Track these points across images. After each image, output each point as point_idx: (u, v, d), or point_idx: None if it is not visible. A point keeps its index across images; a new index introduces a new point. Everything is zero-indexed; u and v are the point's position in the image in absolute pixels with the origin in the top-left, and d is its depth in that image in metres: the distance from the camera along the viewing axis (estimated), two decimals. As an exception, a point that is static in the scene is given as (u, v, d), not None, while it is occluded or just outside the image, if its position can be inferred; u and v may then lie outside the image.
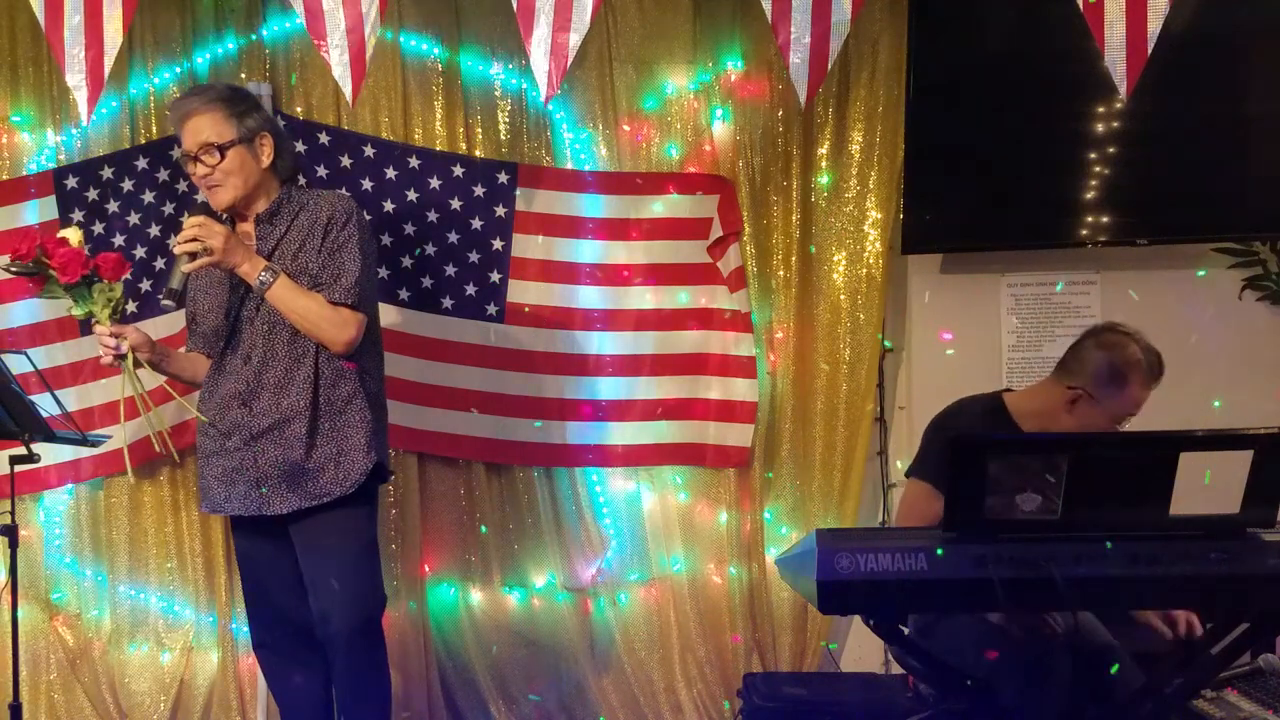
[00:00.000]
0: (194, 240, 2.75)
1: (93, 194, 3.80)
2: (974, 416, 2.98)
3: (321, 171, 3.77)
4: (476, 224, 3.84)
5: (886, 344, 3.96)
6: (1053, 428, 2.88)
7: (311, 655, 2.99)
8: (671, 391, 3.93)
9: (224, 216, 2.88)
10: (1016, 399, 3.00)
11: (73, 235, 2.81)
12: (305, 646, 2.98)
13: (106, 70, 3.21)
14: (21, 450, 3.07)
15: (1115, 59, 3.15)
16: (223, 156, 2.83)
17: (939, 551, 2.10)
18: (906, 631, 2.71)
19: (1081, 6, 3.15)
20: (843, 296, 3.94)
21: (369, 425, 2.91)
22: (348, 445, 2.88)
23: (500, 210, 3.86)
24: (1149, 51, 3.16)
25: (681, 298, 3.92)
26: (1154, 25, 3.14)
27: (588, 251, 3.92)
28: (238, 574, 3.83)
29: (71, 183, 3.79)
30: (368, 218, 3.70)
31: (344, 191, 3.63)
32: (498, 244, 3.86)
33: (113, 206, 3.80)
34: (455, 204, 3.83)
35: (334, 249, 2.86)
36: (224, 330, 2.93)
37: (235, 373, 2.89)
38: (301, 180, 3.72)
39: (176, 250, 2.79)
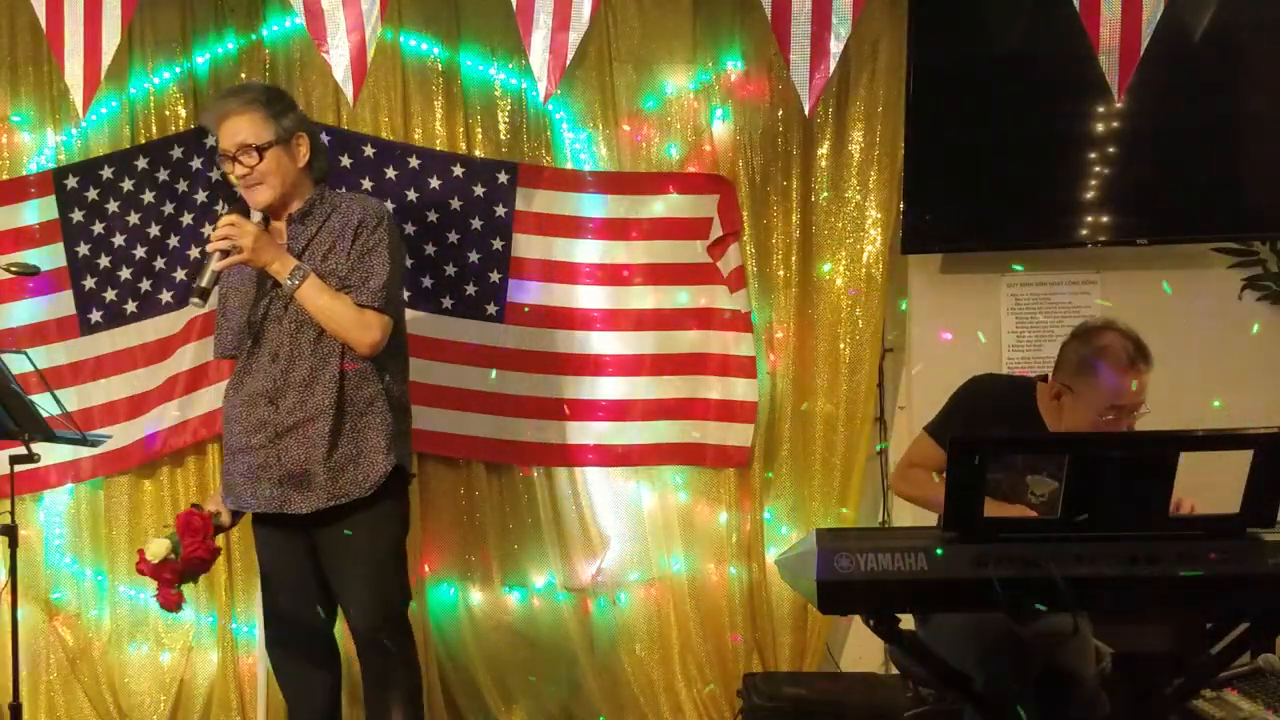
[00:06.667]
0: (225, 239, 2.78)
1: (93, 194, 3.80)
2: (1001, 389, 3.01)
3: (321, 171, 3.77)
4: (476, 224, 3.84)
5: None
6: (1052, 425, 2.89)
7: (322, 655, 3.01)
8: (671, 391, 3.93)
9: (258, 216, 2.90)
10: (1044, 388, 2.97)
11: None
12: (316, 646, 3.00)
13: (104, 67, 3.22)
14: (21, 450, 3.07)
15: (1109, 59, 3.16)
16: (261, 158, 2.85)
17: (939, 551, 2.10)
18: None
19: (1078, 7, 3.16)
20: (843, 296, 3.95)
21: (389, 428, 2.92)
22: (367, 447, 2.89)
23: (500, 210, 3.86)
24: (1141, 52, 3.16)
25: (681, 298, 3.92)
26: (1148, 26, 3.15)
27: (588, 251, 3.92)
28: (238, 574, 3.86)
29: (71, 183, 3.80)
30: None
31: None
32: (498, 244, 3.86)
33: (113, 206, 3.80)
34: (455, 204, 3.83)
35: (363, 252, 2.88)
36: (252, 327, 2.94)
37: (262, 370, 2.90)
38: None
39: (208, 248, 2.82)
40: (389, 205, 3.79)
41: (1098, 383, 2.79)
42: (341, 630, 3.09)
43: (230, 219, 2.81)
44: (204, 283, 2.82)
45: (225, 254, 2.79)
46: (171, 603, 2.87)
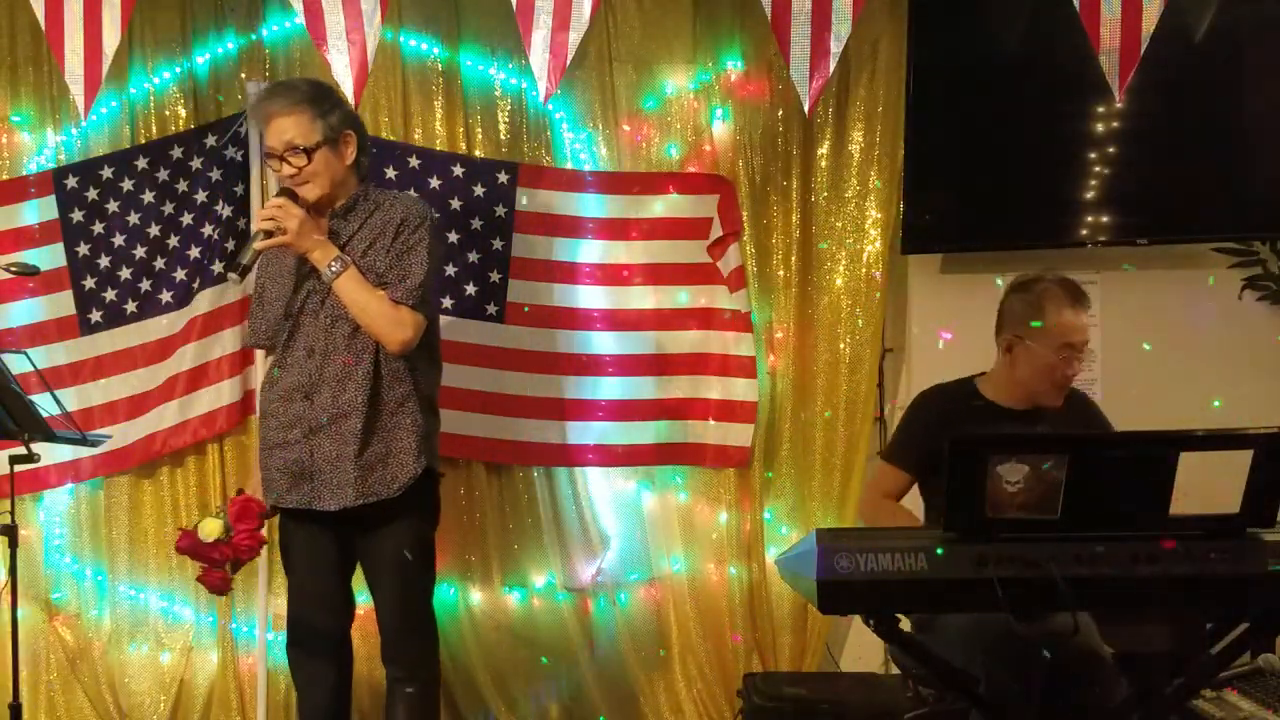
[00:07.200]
0: (270, 220, 2.80)
1: (93, 194, 3.80)
2: (945, 397, 3.06)
3: (321, 171, 3.77)
4: (476, 224, 3.84)
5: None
6: (1012, 386, 2.97)
7: (331, 652, 3.01)
8: (671, 391, 3.93)
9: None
10: (984, 377, 3.06)
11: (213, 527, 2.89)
12: (326, 643, 3.00)
13: (104, 69, 3.23)
14: (21, 450, 3.07)
15: (1109, 60, 3.17)
16: (309, 159, 2.84)
17: (939, 551, 2.10)
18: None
19: (1078, 7, 3.16)
20: (843, 296, 3.95)
21: (420, 429, 2.91)
22: (397, 447, 2.89)
23: (500, 210, 3.86)
24: (1141, 52, 3.17)
25: (681, 298, 3.92)
26: (1148, 26, 3.16)
27: (588, 251, 3.92)
28: (238, 574, 3.85)
29: (71, 183, 3.80)
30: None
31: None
32: (498, 244, 3.86)
33: (113, 206, 3.80)
34: (455, 204, 3.83)
35: (403, 250, 2.88)
36: (288, 320, 2.94)
37: (297, 365, 2.90)
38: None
39: (254, 227, 2.85)
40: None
41: (1047, 323, 2.89)
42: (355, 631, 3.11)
43: (278, 201, 2.83)
44: (245, 260, 2.83)
45: (269, 234, 2.80)
46: (217, 582, 2.87)
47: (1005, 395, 2.98)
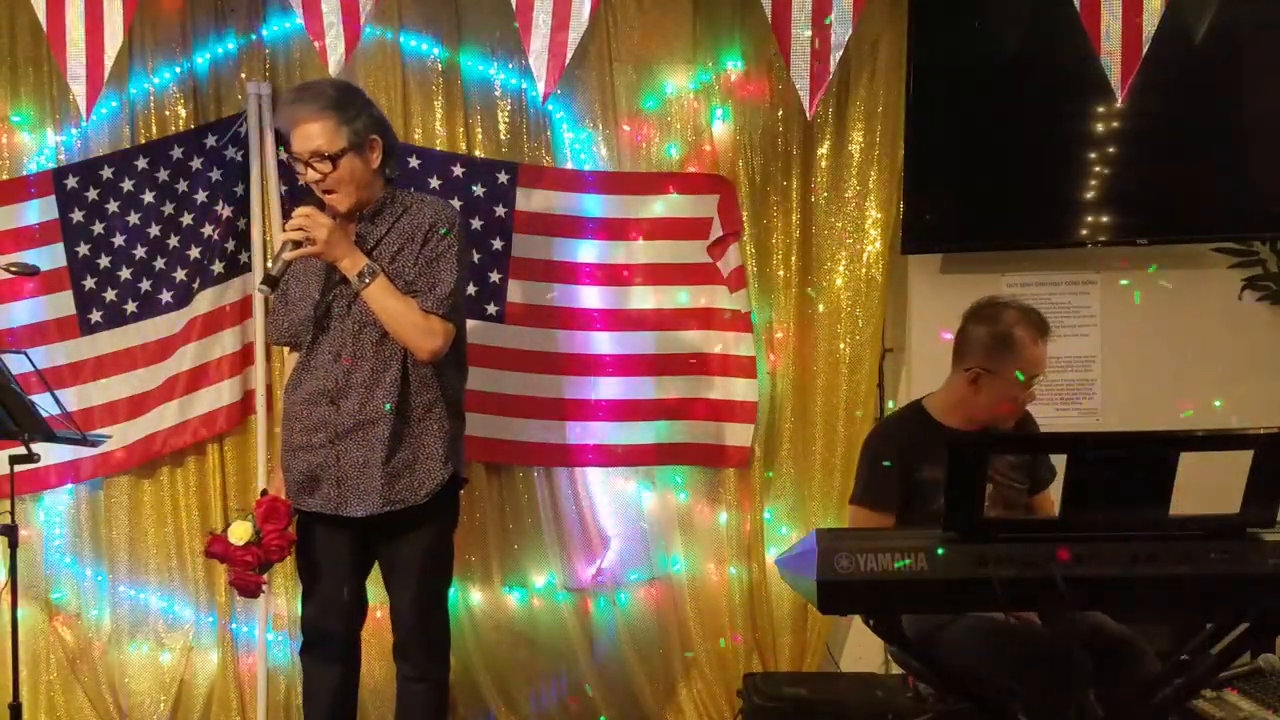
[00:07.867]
0: (299, 229, 2.79)
1: (93, 194, 3.80)
2: (901, 429, 3.05)
3: (321, 171, 3.77)
4: (476, 224, 3.84)
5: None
6: (969, 412, 2.96)
7: (338, 653, 3.02)
8: (671, 391, 3.93)
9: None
10: (932, 400, 3.06)
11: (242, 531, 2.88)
12: (334, 644, 3.01)
13: (106, 69, 3.23)
14: (21, 450, 3.07)
15: (1111, 60, 3.17)
16: (335, 166, 2.83)
17: (939, 551, 2.10)
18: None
19: (1078, 7, 3.16)
20: (843, 296, 3.95)
21: (447, 434, 2.91)
22: (424, 453, 2.88)
23: (500, 210, 3.86)
24: (1143, 53, 3.17)
25: (681, 298, 3.92)
26: (1149, 27, 3.16)
27: (588, 251, 3.92)
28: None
29: (71, 183, 3.79)
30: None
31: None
32: (498, 244, 3.86)
33: (113, 206, 3.80)
34: (455, 204, 3.82)
35: (432, 257, 2.86)
36: (313, 323, 2.92)
37: (324, 369, 2.89)
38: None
39: (282, 237, 2.84)
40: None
41: (1019, 357, 2.87)
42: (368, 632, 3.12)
43: (306, 210, 2.81)
44: (274, 271, 2.83)
45: (298, 244, 2.79)
46: (250, 584, 2.87)
47: (958, 419, 2.98)
